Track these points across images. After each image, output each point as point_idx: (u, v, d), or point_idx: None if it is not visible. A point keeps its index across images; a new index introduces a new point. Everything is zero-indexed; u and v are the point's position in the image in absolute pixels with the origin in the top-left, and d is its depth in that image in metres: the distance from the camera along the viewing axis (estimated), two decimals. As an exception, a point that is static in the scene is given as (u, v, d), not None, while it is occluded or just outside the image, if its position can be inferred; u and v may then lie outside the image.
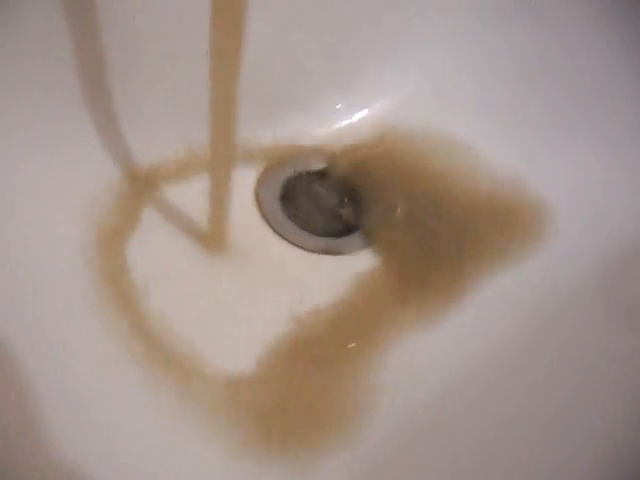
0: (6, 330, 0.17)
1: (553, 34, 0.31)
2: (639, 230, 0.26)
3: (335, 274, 0.26)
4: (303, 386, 0.22)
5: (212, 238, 0.24)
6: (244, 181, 0.30)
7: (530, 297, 0.25)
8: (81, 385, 0.18)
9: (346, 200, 0.31)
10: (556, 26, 0.32)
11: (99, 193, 0.25)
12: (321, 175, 0.32)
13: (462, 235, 0.28)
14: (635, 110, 0.28)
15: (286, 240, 0.28)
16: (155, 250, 0.24)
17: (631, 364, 0.21)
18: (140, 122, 0.27)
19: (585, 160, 0.29)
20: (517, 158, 0.30)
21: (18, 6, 0.22)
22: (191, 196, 0.26)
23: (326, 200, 0.31)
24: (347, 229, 0.30)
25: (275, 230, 0.28)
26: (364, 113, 0.34)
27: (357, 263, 0.27)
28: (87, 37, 0.24)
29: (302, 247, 0.28)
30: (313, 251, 0.28)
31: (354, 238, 0.29)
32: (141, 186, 0.26)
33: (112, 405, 0.18)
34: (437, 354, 0.24)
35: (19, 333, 0.18)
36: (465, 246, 0.27)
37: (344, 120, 0.33)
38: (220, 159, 0.23)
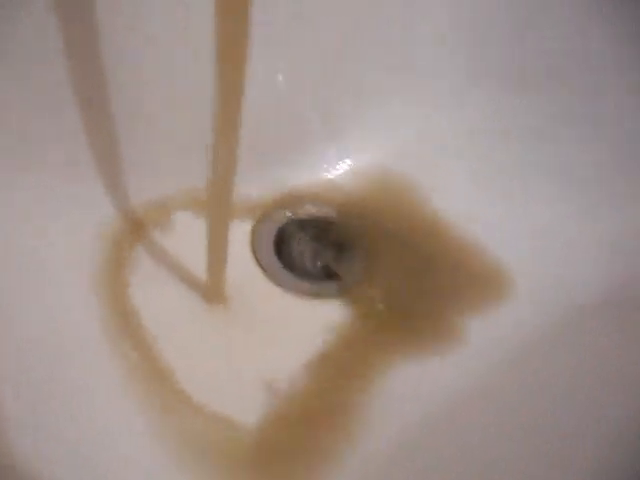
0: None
1: (530, 101, 0.35)
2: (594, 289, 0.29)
3: (320, 318, 0.29)
4: (296, 422, 0.25)
5: (210, 285, 0.27)
6: (240, 227, 0.33)
7: (494, 346, 0.28)
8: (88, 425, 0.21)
9: (333, 247, 0.33)
10: (540, 93, 0.35)
11: (101, 239, 0.27)
12: (313, 222, 0.35)
13: (434, 288, 0.31)
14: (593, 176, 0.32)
15: (278, 285, 0.30)
16: (155, 298, 0.26)
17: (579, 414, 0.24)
18: (142, 168, 0.29)
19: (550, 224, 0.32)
20: (487, 216, 0.33)
21: (22, 59, 0.24)
22: (189, 242, 0.29)
23: (315, 247, 0.34)
24: (334, 274, 0.32)
25: (267, 274, 0.31)
26: (354, 164, 0.36)
27: (340, 308, 0.30)
28: (91, 85, 0.26)
29: (292, 291, 0.30)
30: (302, 295, 0.30)
31: (340, 283, 0.32)
32: (141, 232, 0.29)
33: (119, 446, 0.20)
34: (411, 392, 0.27)
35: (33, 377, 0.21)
36: (436, 298, 0.30)
37: (335, 170, 0.36)
38: (218, 206, 0.25)
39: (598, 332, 0.28)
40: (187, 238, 0.30)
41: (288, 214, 0.34)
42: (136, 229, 0.28)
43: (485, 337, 0.29)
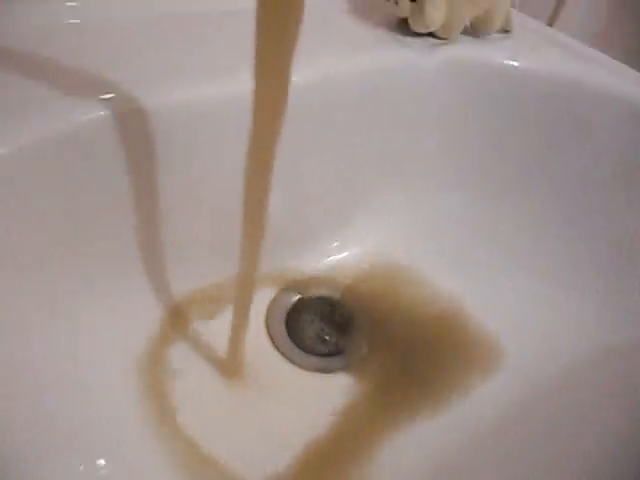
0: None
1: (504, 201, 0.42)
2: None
3: (326, 390, 0.34)
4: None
5: (230, 364, 0.32)
6: (257, 306, 0.38)
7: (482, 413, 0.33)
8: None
9: (337, 326, 0.39)
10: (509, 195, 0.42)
11: (143, 325, 0.33)
12: (319, 303, 0.40)
13: (428, 360, 0.36)
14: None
15: (288, 360, 0.35)
16: (187, 374, 0.32)
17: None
18: (177, 263, 0.35)
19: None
20: (475, 296, 0.39)
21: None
22: (215, 325, 0.35)
23: (321, 325, 0.39)
24: (338, 349, 0.38)
25: (280, 351, 0.36)
26: (354, 251, 0.42)
27: (344, 380, 0.35)
28: (140, 191, 0.31)
29: (301, 366, 0.35)
30: (310, 370, 0.35)
31: (343, 358, 0.37)
32: (175, 318, 0.35)
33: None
34: (412, 452, 0.31)
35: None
36: (430, 370, 0.35)
37: (338, 256, 0.42)
38: (243, 292, 0.29)
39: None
40: (214, 325, 0.35)
41: (298, 296, 0.40)
42: (173, 317, 0.34)
43: (471, 409, 0.34)
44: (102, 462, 0.26)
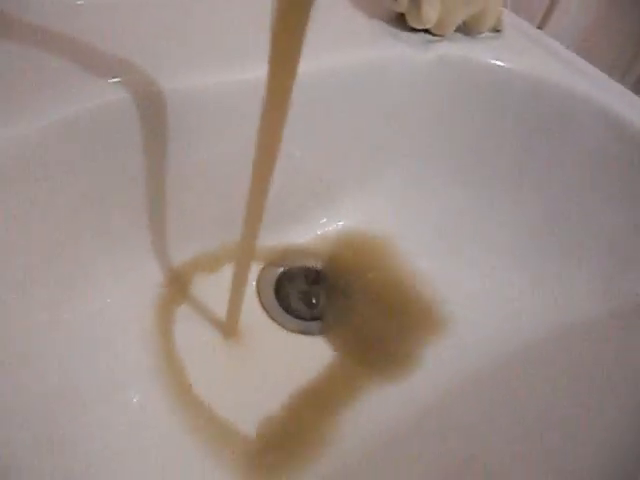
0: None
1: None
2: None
3: (305, 350, 0.38)
4: (287, 428, 0.33)
5: (228, 324, 0.36)
6: (251, 274, 0.41)
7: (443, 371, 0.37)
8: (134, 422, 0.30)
9: (320, 293, 0.42)
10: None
11: (152, 287, 0.36)
12: (305, 272, 0.44)
13: (394, 325, 0.40)
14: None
15: (276, 322, 0.39)
16: (189, 333, 0.35)
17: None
18: (184, 233, 0.38)
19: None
20: (444, 275, 0.43)
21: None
22: (216, 288, 0.38)
23: (305, 292, 0.42)
24: (320, 314, 0.41)
25: (268, 314, 0.40)
26: (341, 226, 0.46)
27: (324, 342, 0.39)
28: (151, 170, 0.34)
29: (286, 328, 0.39)
30: (293, 332, 0.39)
31: (323, 323, 0.41)
32: (181, 281, 0.38)
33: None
34: (381, 406, 0.35)
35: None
36: (395, 334, 0.40)
37: (325, 230, 0.45)
38: (243, 262, 0.33)
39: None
40: (214, 287, 0.38)
41: (287, 265, 0.44)
42: (177, 279, 0.37)
43: (434, 365, 0.38)
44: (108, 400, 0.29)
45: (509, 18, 0.51)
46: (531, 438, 0.34)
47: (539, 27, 0.70)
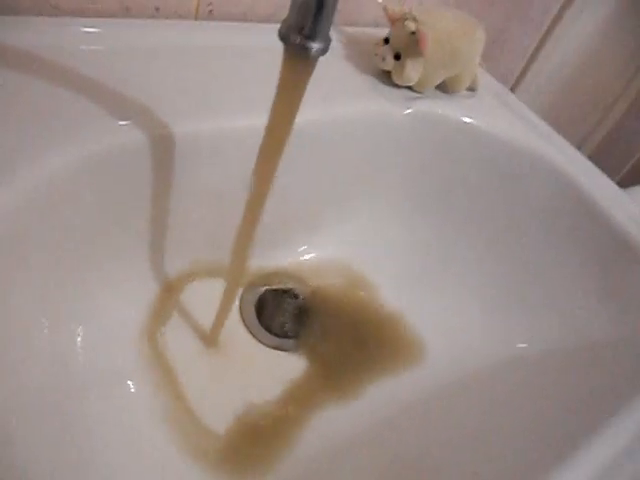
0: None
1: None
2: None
3: (280, 364, 0.42)
4: (254, 433, 0.37)
5: (212, 335, 0.40)
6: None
7: (399, 398, 0.42)
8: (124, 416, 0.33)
9: (298, 313, 0.47)
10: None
11: (146, 297, 0.40)
12: (285, 293, 0.48)
13: (363, 352, 0.44)
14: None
15: (254, 337, 0.43)
16: (177, 342, 0.39)
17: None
18: (179, 251, 0.42)
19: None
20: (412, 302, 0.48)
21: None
22: (203, 301, 0.41)
23: (284, 312, 0.47)
24: (294, 333, 0.46)
25: (249, 330, 0.44)
26: (319, 254, 0.50)
27: (296, 358, 0.43)
28: (156, 197, 0.39)
29: (263, 343, 0.43)
30: (269, 346, 0.43)
31: (299, 341, 0.45)
32: (171, 291, 0.42)
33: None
34: (336, 420, 0.40)
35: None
36: (363, 359, 0.44)
37: (306, 257, 0.50)
38: (232, 283, 0.37)
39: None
40: (201, 300, 0.42)
41: (267, 286, 0.48)
42: (168, 291, 0.41)
43: (393, 391, 0.43)
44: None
45: (485, 79, 0.58)
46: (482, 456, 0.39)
47: (512, 89, 0.77)
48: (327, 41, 0.25)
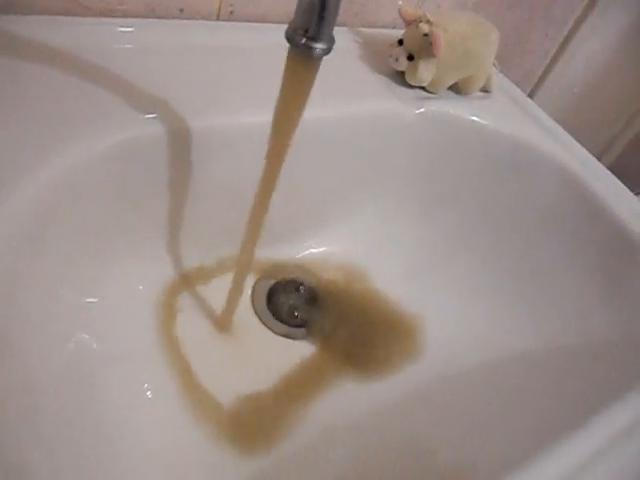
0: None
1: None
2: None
3: (289, 351, 0.44)
4: (263, 410, 0.39)
5: (223, 321, 0.42)
6: (248, 282, 0.47)
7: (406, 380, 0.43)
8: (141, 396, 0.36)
9: (307, 303, 0.48)
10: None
11: (162, 285, 0.42)
12: (295, 284, 0.50)
13: (368, 341, 0.46)
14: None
15: (265, 325, 0.45)
16: (190, 325, 0.41)
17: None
18: (195, 240, 0.44)
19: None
20: (415, 295, 0.50)
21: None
22: (217, 289, 0.44)
23: (294, 301, 0.49)
24: (303, 322, 0.47)
25: (259, 317, 0.46)
26: (328, 248, 0.52)
27: (305, 346, 0.45)
28: (173, 188, 0.41)
29: (273, 331, 0.45)
30: (279, 334, 0.45)
31: (307, 329, 0.47)
32: (185, 279, 0.44)
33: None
34: (339, 406, 0.41)
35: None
36: (365, 347, 0.45)
37: (315, 250, 0.52)
38: (241, 270, 0.39)
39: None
40: (216, 288, 0.44)
41: (278, 277, 0.50)
42: (182, 278, 0.44)
43: (400, 374, 0.44)
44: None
45: (501, 81, 0.58)
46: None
47: (532, 91, 0.78)
48: (331, 42, 0.26)
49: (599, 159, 0.53)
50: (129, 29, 0.41)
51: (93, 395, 0.33)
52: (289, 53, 0.27)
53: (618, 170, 0.52)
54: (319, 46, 0.26)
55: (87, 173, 0.33)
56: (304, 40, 0.25)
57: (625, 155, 1.02)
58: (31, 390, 0.29)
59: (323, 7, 0.24)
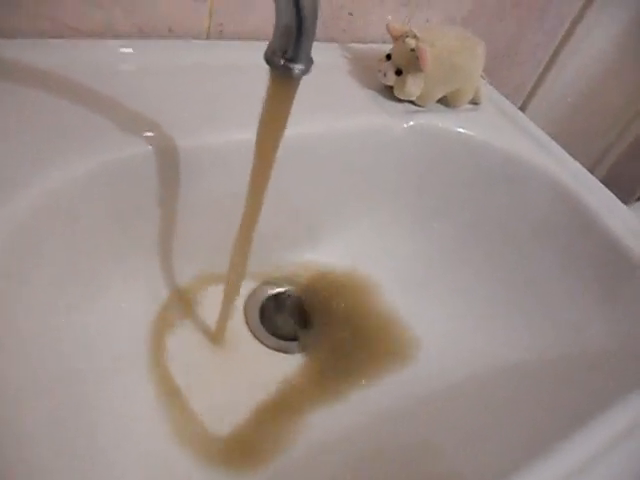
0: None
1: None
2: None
3: (280, 366, 0.44)
4: (251, 428, 0.39)
5: (216, 336, 0.42)
6: (240, 294, 0.48)
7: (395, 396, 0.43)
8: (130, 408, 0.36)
9: (300, 316, 0.49)
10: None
11: (155, 300, 0.43)
12: (289, 297, 0.50)
13: (362, 353, 0.46)
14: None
15: (257, 339, 0.46)
16: (183, 339, 0.42)
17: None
18: (188, 255, 0.44)
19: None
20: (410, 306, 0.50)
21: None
22: (206, 303, 0.45)
23: (287, 314, 0.49)
24: (295, 335, 0.48)
25: (252, 331, 0.46)
26: (322, 261, 0.52)
27: (298, 359, 0.45)
28: (166, 205, 0.42)
29: (265, 344, 0.45)
30: (271, 348, 0.45)
31: (300, 343, 0.47)
32: (178, 294, 0.45)
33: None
34: (332, 418, 0.42)
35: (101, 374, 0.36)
36: (361, 357, 0.46)
37: (309, 264, 0.52)
38: (232, 283, 0.39)
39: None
40: (207, 302, 0.45)
41: (272, 289, 0.50)
42: (175, 294, 0.44)
43: (395, 385, 0.44)
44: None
45: (490, 93, 0.59)
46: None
47: (524, 103, 0.78)
48: (309, 62, 0.27)
49: (594, 168, 0.53)
50: (120, 49, 0.42)
51: (81, 413, 0.34)
52: (270, 74, 0.27)
53: (613, 179, 0.53)
54: (298, 67, 0.26)
55: (78, 192, 0.34)
56: (283, 62, 0.26)
57: (620, 164, 1.03)
58: (15, 410, 0.29)
59: (300, 29, 0.25)
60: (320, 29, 0.54)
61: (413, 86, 0.49)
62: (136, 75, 0.41)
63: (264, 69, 0.28)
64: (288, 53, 0.26)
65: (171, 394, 0.38)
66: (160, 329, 0.41)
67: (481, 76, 0.54)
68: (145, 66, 0.42)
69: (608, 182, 0.52)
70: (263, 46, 0.50)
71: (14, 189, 0.30)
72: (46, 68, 0.37)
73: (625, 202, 0.51)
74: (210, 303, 0.44)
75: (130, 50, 0.43)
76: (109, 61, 0.41)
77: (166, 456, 0.36)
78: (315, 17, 0.25)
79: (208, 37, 0.48)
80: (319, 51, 0.51)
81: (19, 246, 0.30)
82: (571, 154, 0.54)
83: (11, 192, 0.30)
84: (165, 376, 0.39)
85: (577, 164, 0.53)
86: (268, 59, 0.26)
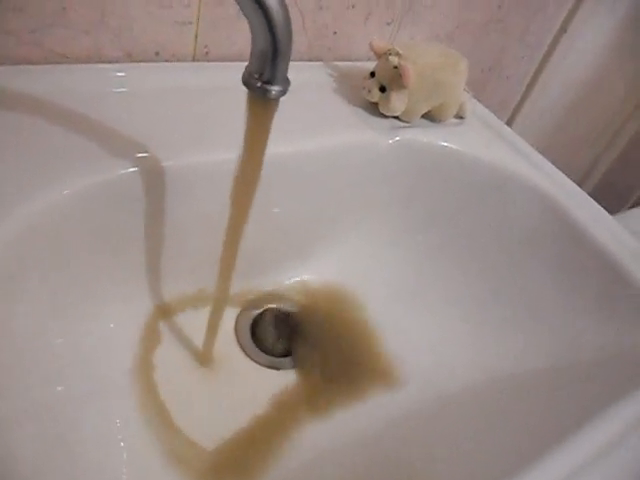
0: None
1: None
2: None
3: (272, 383, 0.44)
4: (239, 448, 0.39)
5: (204, 354, 0.42)
6: (230, 313, 0.48)
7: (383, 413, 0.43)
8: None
9: (291, 333, 0.49)
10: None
11: (143, 319, 0.43)
12: (279, 314, 0.50)
13: (350, 369, 0.46)
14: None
15: (248, 357, 0.46)
16: (171, 359, 0.42)
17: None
18: (173, 274, 0.45)
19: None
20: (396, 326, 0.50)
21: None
22: (194, 322, 0.45)
23: (278, 332, 0.49)
24: (287, 352, 0.48)
25: (243, 349, 0.47)
26: (312, 277, 0.53)
27: (288, 376, 0.45)
28: (154, 224, 0.42)
29: (256, 362, 0.46)
30: (263, 365, 0.45)
31: (292, 360, 0.47)
32: (165, 313, 0.45)
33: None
34: (322, 435, 0.41)
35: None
36: (351, 375, 0.46)
37: (298, 280, 0.52)
38: (218, 302, 0.39)
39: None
40: (193, 321, 0.45)
41: (262, 308, 0.50)
42: (162, 313, 0.44)
43: (386, 398, 0.45)
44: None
45: (476, 108, 0.60)
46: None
47: (511, 116, 0.79)
48: (286, 83, 0.27)
49: (585, 179, 0.54)
50: (108, 74, 0.43)
51: (67, 436, 0.34)
52: (247, 96, 0.28)
53: (605, 188, 0.53)
54: (275, 89, 0.27)
55: (64, 213, 0.34)
56: (260, 84, 0.27)
57: (613, 172, 1.03)
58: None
59: (275, 52, 0.25)
60: (305, 48, 0.56)
61: (397, 102, 0.50)
62: (124, 98, 0.42)
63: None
64: (264, 75, 0.26)
65: (160, 414, 0.38)
66: (148, 348, 0.41)
67: (465, 90, 0.55)
68: (133, 89, 0.43)
69: (598, 192, 0.53)
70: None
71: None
72: (33, 93, 0.38)
73: (616, 211, 0.52)
74: (198, 322, 0.44)
75: (118, 74, 0.43)
76: (97, 85, 0.42)
77: (156, 476, 0.36)
78: (290, 39, 0.26)
79: (194, 59, 0.48)
80: (305, 69, 0.53)
81: (3, 269, 0.30)
82: (560, 167, 0.55)
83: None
84: (154, 395, 0.39)
85: (564, 176, 0.53)
86: (246, 82, 0.27)
